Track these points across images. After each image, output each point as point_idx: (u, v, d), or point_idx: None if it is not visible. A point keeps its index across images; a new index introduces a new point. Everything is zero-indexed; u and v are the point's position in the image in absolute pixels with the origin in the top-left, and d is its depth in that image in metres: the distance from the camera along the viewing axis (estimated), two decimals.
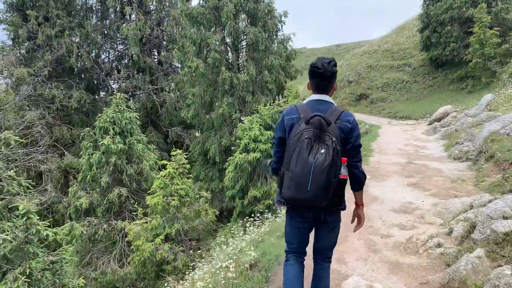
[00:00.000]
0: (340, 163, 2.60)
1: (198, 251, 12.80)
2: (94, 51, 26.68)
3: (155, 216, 11.80)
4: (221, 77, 18.90)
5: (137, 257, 11.45)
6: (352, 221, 3.10)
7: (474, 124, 11.62)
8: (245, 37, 20.73)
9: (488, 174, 7.30)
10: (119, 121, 14.94)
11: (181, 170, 12.05)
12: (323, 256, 3.05)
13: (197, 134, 24.23)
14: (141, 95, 27.19)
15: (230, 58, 21.89)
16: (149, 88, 25.44)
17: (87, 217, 14.66)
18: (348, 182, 2.78)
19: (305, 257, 3.09)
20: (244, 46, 21.90)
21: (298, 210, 2.85)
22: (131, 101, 16.10)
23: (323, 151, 2.52)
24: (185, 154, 12.56)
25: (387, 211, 6.00)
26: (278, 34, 21.63)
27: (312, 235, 3.04)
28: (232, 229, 11.90)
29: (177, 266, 11.52)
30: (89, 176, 14.73)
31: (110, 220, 14.95)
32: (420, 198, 6.58)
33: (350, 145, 2.73)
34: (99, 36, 26.56)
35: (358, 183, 2.86)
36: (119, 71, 26.04)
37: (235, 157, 12.88)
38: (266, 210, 12.25)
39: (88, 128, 15.57)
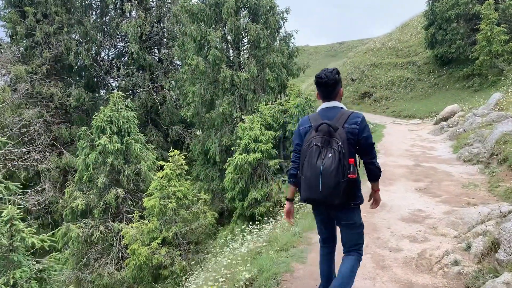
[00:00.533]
0: (348, 164, 2.81)
1: (197, 255, 12.49)
2: (93, 49, 26.28)
3: (151, 219, 11.40)
4: (222, 75, 18.47)
5: (133, 261, 11.06)
6: (369, 200, 3.43)
7: (483, 124, 11.15)
8: (246, 34, 20.29)
9: (502, 179, 6.86)
10: (116, 120, 14.55)
11: (179, 171, 11.63)
12: (349, 250, 3.24)
13: (198, 133, 23.87)
14: (141, 93, 26.81)
15: (231, 55, 21.46)
16: (149, 86, 25.05)
17: (84, 219, 14.29)
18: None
19: (332, 244, 3.45)
20: (245, 44, 21.48)
21: (314, 208, 3.28)
22: (129, 99, 15.60)
23: (330, 155, 2.80)
24: (185, 154, 12.12)
25: (396, 220, 5.56)
26: (280, 31, 21.23)
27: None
28: (228, 238, 11.52)
29: (174, 270, 11.13)
30: (85, 176, 14.37)
31: (107, 222, 14.58)
32: (431, 205, 6.13)
33: (362, 144, 2.99)
34: (98, 33, 26.17)
35: (374, 176, 3.20)
36: (118, 69, 25.61)
37: (235, 158, 12.45)
38: (265, 216, 11.85)
39: (85, 127, 15.19)
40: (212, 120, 19.66)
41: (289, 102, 13.76)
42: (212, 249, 12.23)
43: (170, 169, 11.45)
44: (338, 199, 2.83)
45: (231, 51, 21.65)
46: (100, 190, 14.55)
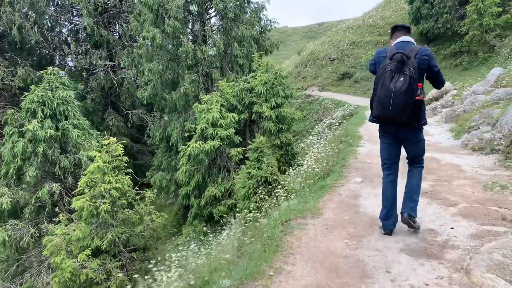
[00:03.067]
0: (417, 88, 3.40)
1: (144, 264, 10.30)
2: (47, 24, 23.46)
3: (80, 224, 9.11)
4: (183, 49, 16.09)
5: (56, 277, 8.79)
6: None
7: (489, 103, 9.17)
8: (211, 4, 17.88)
9: None
10: (49, 101, 12.14)
11: (115, 164, 9.31)
12: (415, 163, 3.93)
13: (166, 118, 21.50)
14: (98, 73, 24.14)
15: (196, 29, 18.98)
16: (106, 65, 22.43)
17: (11, 220, 11.92)
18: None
19: (396, 170, 3.95)
20: (211, 15, 19.10)
21: (385, 131, 3.85)
22: (66, 76, 13.17)
23: (401, 79, 3.40)
24: (121, 142, 9.74)
25: (397, 253, 3.41)
26: (251, 1, 18.84)
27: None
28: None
29: (110, 287, 8.91)
30: (12, 169, 11.95)
31: (41, 223, 12.23)
32: (446, 220, 4.03)
33: (431, 72, 3.64)
34: (50, 6, 23.30)
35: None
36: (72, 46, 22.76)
37: (188, 147, 10.19)
38: (226, 216, 9.68)
39: (12, 110, 12.70)
40: (173, 102, 17.29)
41: (256, 79, 11.52)
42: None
43: (103, 161, 9.12)
44: (405, 117, 3.47)
45: (196, 23, 19.20)
46: (31, 185, 12.18)
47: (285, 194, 5.48)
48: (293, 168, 9.22)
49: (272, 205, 5.35)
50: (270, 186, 6.58)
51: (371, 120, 3.82)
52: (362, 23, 33.04)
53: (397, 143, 3.83)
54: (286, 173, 8.63)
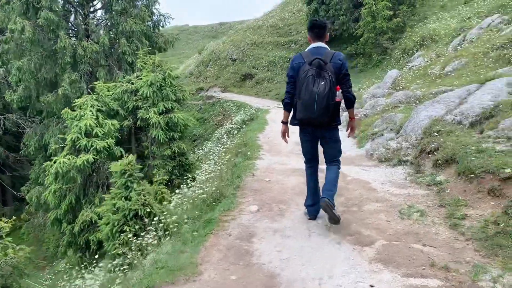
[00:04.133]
0: (335, 91, 3.62)
1: None
2: None
3: None
4: (59, 45, 13.89)
5: None
6: (347, 129, 4.21)
7: (390, 107, 8.73)
8: None
9: (460, 198, 4.11)
10: None
11: None
12: (331, 162, 4.09)
13: (45, 122, 18.76)
14: None
15: (81, 23, 16.76)
16: None
17: None
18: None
19: (316, 164, 4.25)
20: (96, 7, 17.08)
21: (303, 130, 4.01)
22: None
23: (323, 83, 3.56)
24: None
25: None
26: None
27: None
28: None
29: None
30: None
31: None
32: (363, 272, 3.02)
33: (343, 76, 3.75)
34: None
35: (350, 103, 3.93)
36: None
37: (55, 162, 8.35)
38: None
39: None
40: (51, 106, 15.00)
41: (141, 79, 10.00)
42: None
43: None
44: (327, 118, 3.65)
45: (79, 16, 17.00)
46: None
47: (161, 233, 4.16)
48: (185, 183, 7.96)
49: (143, 250, 4.01)
50: (142, 222, 5.20)
51: (292, 123, 3.99)
52: (262, 24, 32.73)
53: (316, 141, 4.05)
54: (178, 190, 7.31)
